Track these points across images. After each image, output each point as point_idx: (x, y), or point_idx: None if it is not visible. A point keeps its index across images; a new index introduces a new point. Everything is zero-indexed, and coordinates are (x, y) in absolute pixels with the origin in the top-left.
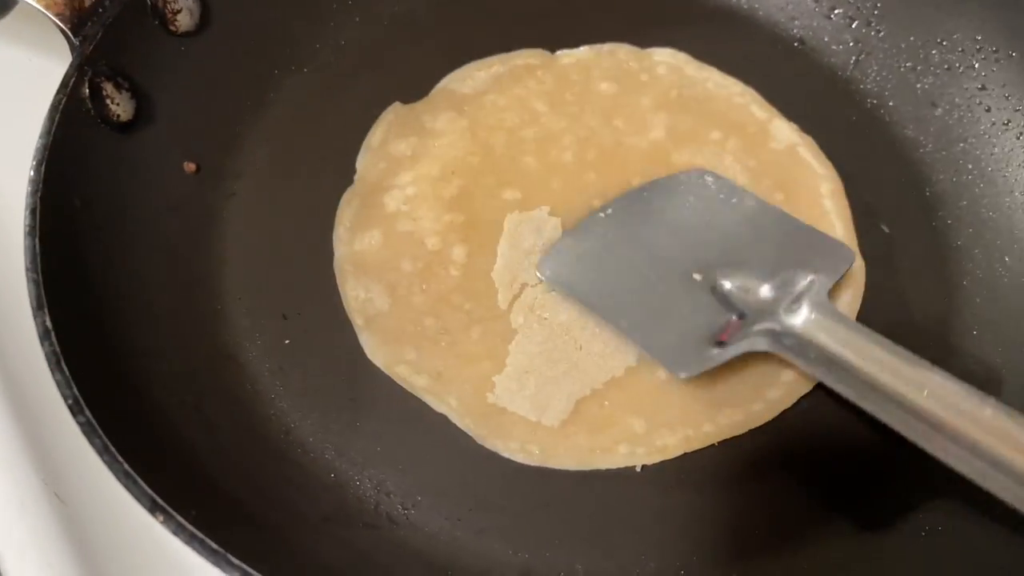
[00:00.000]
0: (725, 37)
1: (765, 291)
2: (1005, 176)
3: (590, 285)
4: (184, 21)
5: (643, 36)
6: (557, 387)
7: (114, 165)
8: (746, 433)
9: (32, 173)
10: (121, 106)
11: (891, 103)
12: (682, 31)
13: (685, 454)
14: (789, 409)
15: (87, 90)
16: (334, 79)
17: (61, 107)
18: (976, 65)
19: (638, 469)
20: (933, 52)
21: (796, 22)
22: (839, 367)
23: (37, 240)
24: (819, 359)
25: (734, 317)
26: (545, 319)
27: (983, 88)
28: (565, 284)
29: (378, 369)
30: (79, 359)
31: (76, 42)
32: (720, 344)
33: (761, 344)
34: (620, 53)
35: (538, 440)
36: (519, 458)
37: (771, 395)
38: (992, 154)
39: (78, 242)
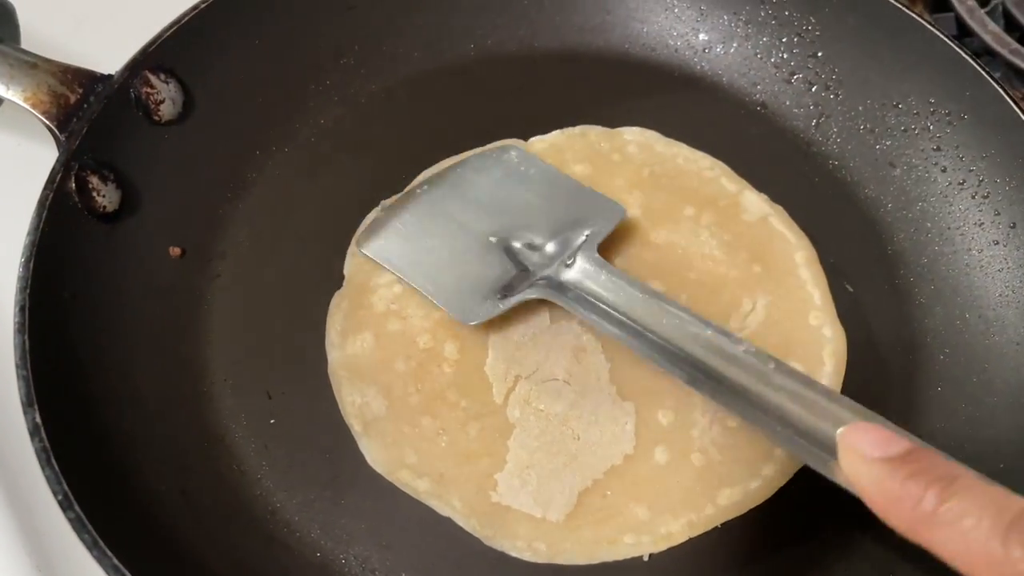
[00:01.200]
0: (691, 105)
1: (549, 248)
2: (962, 234)
3: (402, 256)
4: (167, 111)
5: (612, 112)
6: (559, 480)
7: (101, 255)
8: (747, 513)
9: (21, 270)
10: (107, 197)
11: (851, 164)
12: (649, 102)
13: (690, 539)
14: (787, 485)
15: (73, 184)
16: (314, 158)
17: (48, 203)
18: (930, 127)
19: (645, 559)
20: (889, 115)
21: (758, 87)
22: (603, 310)
23: (27, 337)
24: (589, 306)
25: (519, 271)
26: (541, 411)
27: (938, 149)
28: (382, 256)
29: (361, 445)
30: (68, 453)
31: (62, 138)
32: (508, 296)
33: (540, 293)
34: (591, 135)
35: (544, 536)
36: (527, 556)
37: (766, 471)
38: (949, 212)
39: (67, 335)
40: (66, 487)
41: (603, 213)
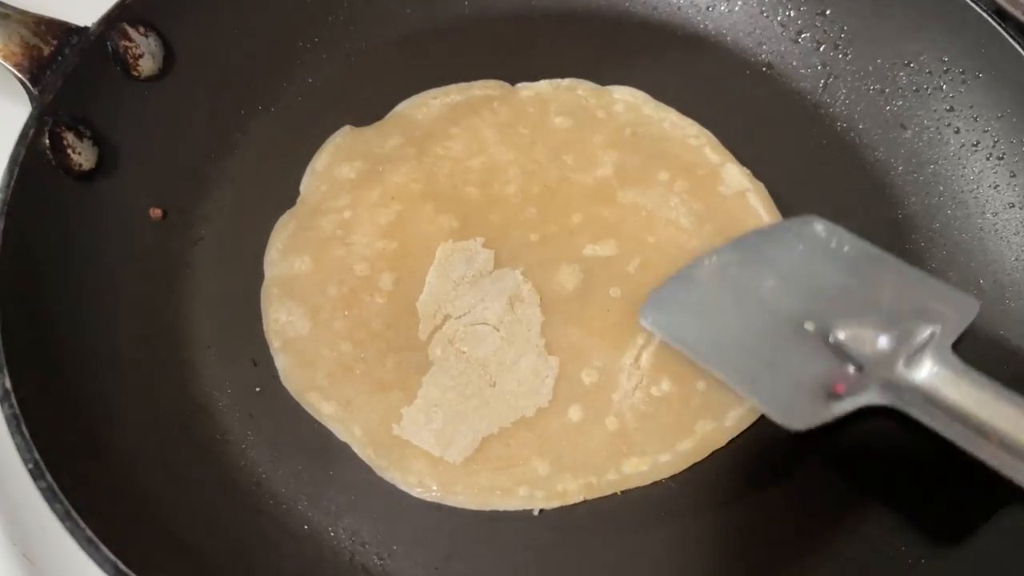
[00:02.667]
0: (694, 65)
1: (883, 342)
2: (976, 198)
3: (696, 333)
4: (147, 66)
5: (610, 67)
6: (465, 423)
7: (77, 215)
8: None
9: None
10: (83, 155)
11: (861, 126)
12: (650, 61)
13: (584, 501)
14: (698, 463)
15: (47, 141)
16: (302, 118)
17: (20, 160)
18: (944, 87)
19: (535, 513)
20: (900, 74)
21: (764, 47)
22: (969, 424)
23: None
24: (945, 415)
25: (850, 369)
26: (463, 352)
27: (951, 109)
28: (669, 332)
29: None
30: (41, 420)
31: (36, 92)
32: (835, 396)
33: (880, 398)
34: (580, 89)
35: (438, 476)
36: (416, 493)
37: (682, 447)
38: (962, 175)
39: (40, 298)
40: (37, 455)
41: (950, 305)
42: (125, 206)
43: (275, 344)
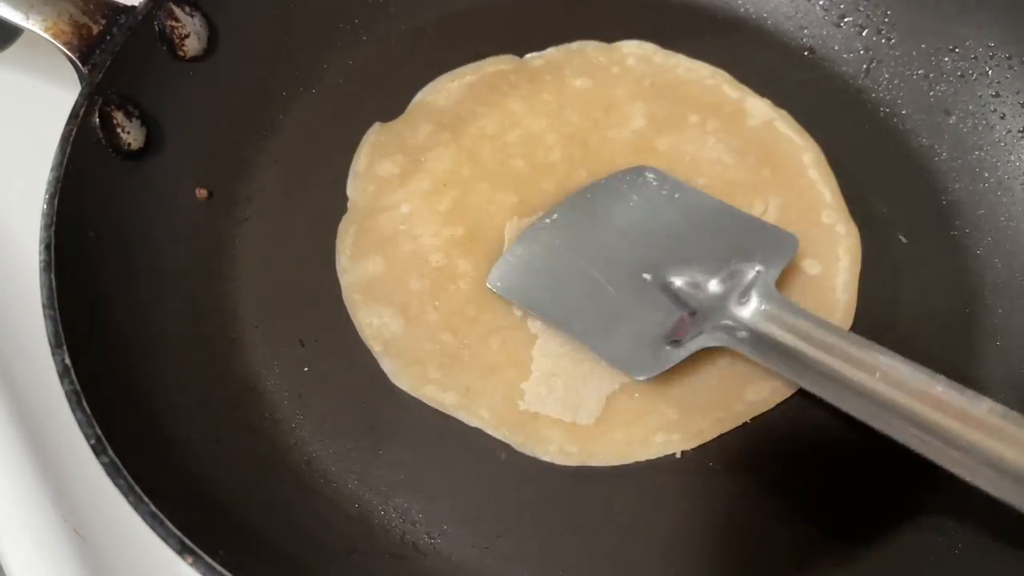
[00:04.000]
0: (734, 49)
1: (714, 285)
2: (1023, 185)
3: (540, 294)
4: (192, 46)
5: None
6: (586, 385)
7: (126, 194)
8: (775, 408)
9: (45, 207)
10: (132, 134)
11: (904, 112)
12: (693, 45)
13: (720, 436)
14: None
15: (97, 119)
16: (343, 99)
17: (72, 138)
18: (989, 72)
19: (677, 455)
20: (945, 59)
21: (805, 31)
22: (792, 356)
23: (53, 276)
24: (772, 350)
25: (686, 314)
26: None
27: (997, 95)
28: (516, 294)
29: (398, 393)
30: (99, 397)
31: (85, 71)
32: (675, 343)
33: (715, 340)
34: (588, 50)
35: (575, 440)
36: (559, 460)
37: None
38: (1008, 162)
39: (93, 276)
40: (99, 430)
41: (772, 243)
42: (172, 186)
43: (376, 348)
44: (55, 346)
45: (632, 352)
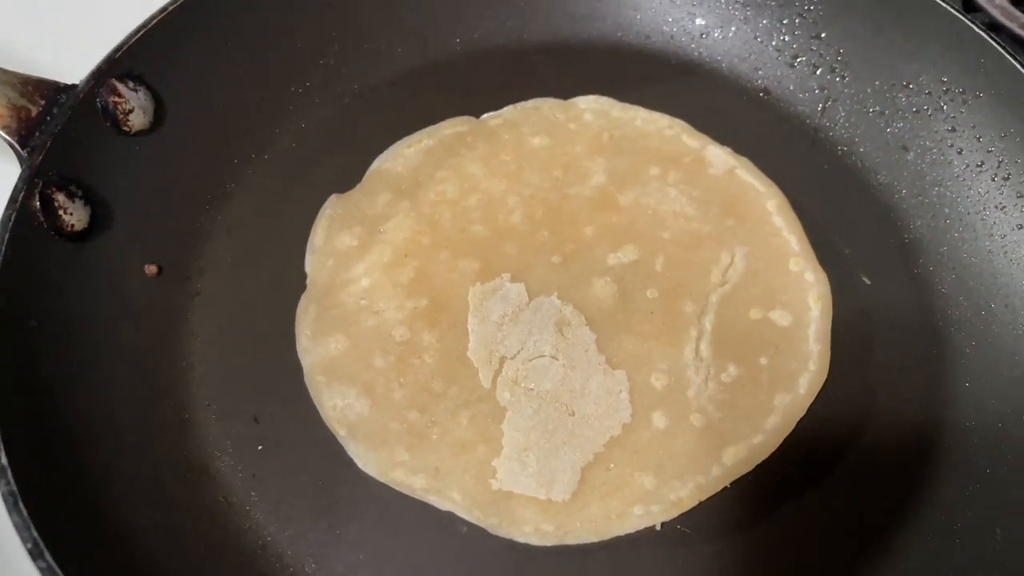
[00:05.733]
0: (690, 93)
1: None
2: (983, 219)
3: None
4: (137, 120)
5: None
6: (559, 458)
7: (71, 277)
8: (754, 469)
9: None
10: (75, 215)
11: (862, 149)
12: (647, 92)
13: (700, 503)
14: (790, 436)
15: (38, 203)
16: (297, 164)
17: (11, 224)
18: (944, 107)
19: (658, 528)
20: (900, 96)
21: (760, 72)
22: None
23: None
24: None
25: None
26: (531, 390)
27: (953, 130)
28: None
29: (354, 470)
30: (39, 495)
31: (24, 154)
32: None
33: None
34: (544, 107)
35: (551, 518)
36: (534, 541)
37: (769, 424)
38: (968, 196)
39: (35, 366)
40: (35, 534)
41: None
42: (119, 264)
43: (341, 432)
44: None
45: None
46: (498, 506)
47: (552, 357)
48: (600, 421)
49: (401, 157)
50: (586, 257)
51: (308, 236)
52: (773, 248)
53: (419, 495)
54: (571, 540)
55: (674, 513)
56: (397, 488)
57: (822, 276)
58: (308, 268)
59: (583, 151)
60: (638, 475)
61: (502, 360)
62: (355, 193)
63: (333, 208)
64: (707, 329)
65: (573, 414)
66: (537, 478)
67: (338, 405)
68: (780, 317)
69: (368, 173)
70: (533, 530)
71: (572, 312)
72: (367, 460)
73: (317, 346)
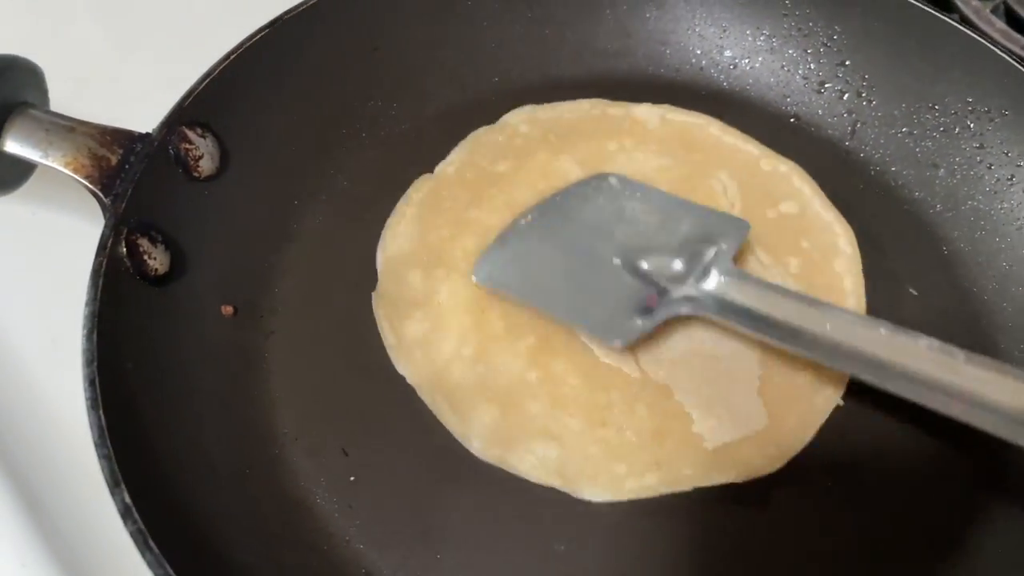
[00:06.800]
0: (723, 120)
1: (677, 265)
2: (1019, 229)
3: (523, 283)
4: (206, 166)
5: None
6: (738, 395)
7: (156, 320)
8: None
9: (84, 342)
10: (158, 259)
11: (894, 168)
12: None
13: None
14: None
15: (124, 248)
16: (353, 202)
17: (103, 270)
18: (971, 125)
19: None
20: (927, 116)
21: (788, 99)
22: (753, 316)
23: (101, 413)
24: (735, 313)
25: (654, 292)
26: (674, 358)
27: (981, 147)
28: (500, 284)
29: (447, 492)
30: (162, 532)
31: (107, 202)
32: (647, 313)
33: (683, 308)
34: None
35: (767, 447)
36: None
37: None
38: (1002, 209)
39: (136, 408)
40: (169, 569)
41: (727, 228)
42: (198, 306)
43: (556, 482)
44: (113, 486)
45: (608, 323)
46: (726, 460)
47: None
48: (742, 352)
49: (396, 238)
50: None
51: (367, 271)
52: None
53: (661, 490)
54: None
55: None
56: (642, 496)
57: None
58: (403, 370)
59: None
60: (800, 375)
61: (633, 351)
62: (385, 288)
63: (380, 309)
64: None
65: (717, 357)
66: (735, 420)
67: (532, 461)
68: None
69: (379, 267)
70: (766, 462)
71: None
72: (601, 492)
73: (471, 424)
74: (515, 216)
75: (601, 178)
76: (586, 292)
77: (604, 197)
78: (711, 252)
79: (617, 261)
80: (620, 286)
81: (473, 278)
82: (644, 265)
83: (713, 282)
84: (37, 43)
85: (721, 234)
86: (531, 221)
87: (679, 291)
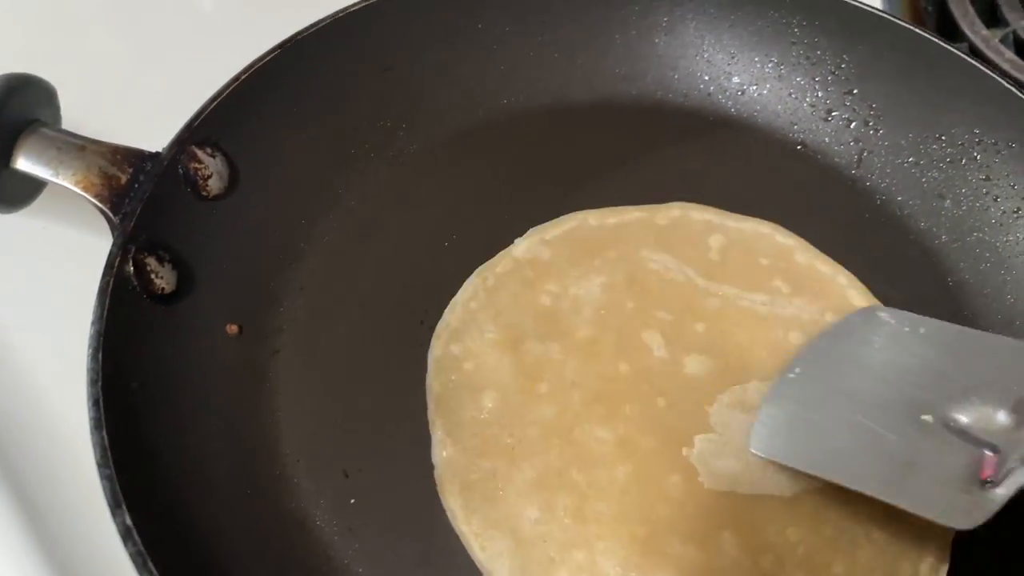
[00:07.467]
0: (729, 147)
1: (1004, 417)
2: None
3: (814, 451)
4: (215, 185)
5: (651, 161)
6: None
7: (162, 339)
8: None
9: (89, 362)
10: (165, 278)
11: (900, 198)
12: (686, 145)
13: None
14: None
15: (131, 267)
16: (361, 222)
17: (110, 289)
18: (978, 157)
19: None
20: (934, 147)
21: (796, 127)
22: None
23: (105, 433)
24: None
25: (988, 452)
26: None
27: (988, 179)
28: (786, 455)
29: (447, 519)
30: (162, 555)
31: (116, 220)
32: (988, 484)
33: None
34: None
35: None
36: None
37: None
38: (1008, 241)
39: (140, 427)
40: None
41: None
42: (204, 326)
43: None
44: (114, 506)
45: (943, 500)
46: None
47: None
48: None
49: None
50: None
51: (375, 293)
52: None
53: None
54: None
55: None
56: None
57: None
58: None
59: None
60: None
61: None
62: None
63: (448, 462)
64: None
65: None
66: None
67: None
68: None
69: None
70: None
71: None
72: None
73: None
74: None
75: (868, 315)
76: (897, 459)
77: (879, 336)
78: None
79: (927, 417)
80: (939, 448)
81: (751, 448)
82: (962, 419)
83: None
84: (51, 61)
85: None
86: (800, 374)
87: (1019, 449)
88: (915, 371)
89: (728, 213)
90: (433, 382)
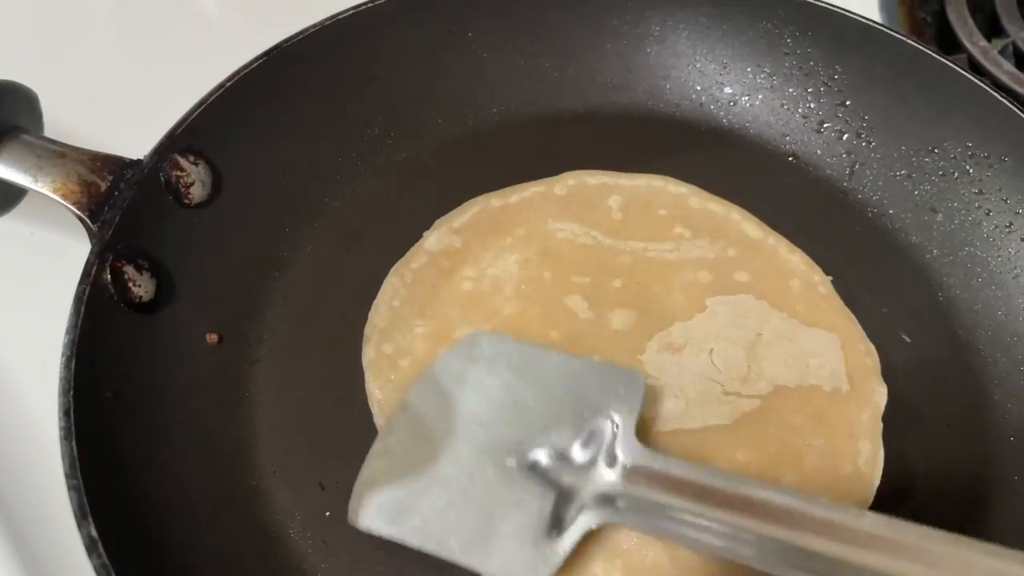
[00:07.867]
0: (720, 159)
1: (578, 453)
2: (1016, 279)
3: (414, 517)
4: (197, 193)
5: (634, 164)
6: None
7: (139, 348)
8: None
9: (62, 370)
10: (143, 287)
11: (891, 211)
12: (677, 158)
13: None
14: None
15: (109, 276)
16: (347, 231)
17: (85, 297)
18: (970, 171)
19: None
20: (926, 160)
21: (787, 138)
22: (676, 515)
23: (74, 444)
24: (655, 513)
25: (560, 494)
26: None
27: (980, 192)
28: (386, 527)
29: None
30: (128, 568)
31: (94, 228)
32: (559, 530)
33: (597, 518)
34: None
35: None
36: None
37: None
38: (999, 256)
39: (112, 437)
40: None
41: (621, 386)
42: (182, 335)
43: None
44: (80, 518)
45: (518, 558)
46: None
47: None
48: None
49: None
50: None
51: (359, 302)
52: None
53: None
54: None
55: None
56: None
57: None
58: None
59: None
60: None
61: None
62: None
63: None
64: None
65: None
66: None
67: None
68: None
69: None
70: None
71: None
72: None
73: None
74: None
75: (471, 342)
76: (481, 514)
77: (477, 368)
78: (608, 426)
79: (510, 461)
80: (518, 496)
81: (356, 524)
82: (540, 459)
83: (620, 473)
84: (36, 67)
85: (615, 397)
86: (401, 421)
87: (588, 490)
88: (505, 407)
89: (620, 173)
90: (372, 387)
